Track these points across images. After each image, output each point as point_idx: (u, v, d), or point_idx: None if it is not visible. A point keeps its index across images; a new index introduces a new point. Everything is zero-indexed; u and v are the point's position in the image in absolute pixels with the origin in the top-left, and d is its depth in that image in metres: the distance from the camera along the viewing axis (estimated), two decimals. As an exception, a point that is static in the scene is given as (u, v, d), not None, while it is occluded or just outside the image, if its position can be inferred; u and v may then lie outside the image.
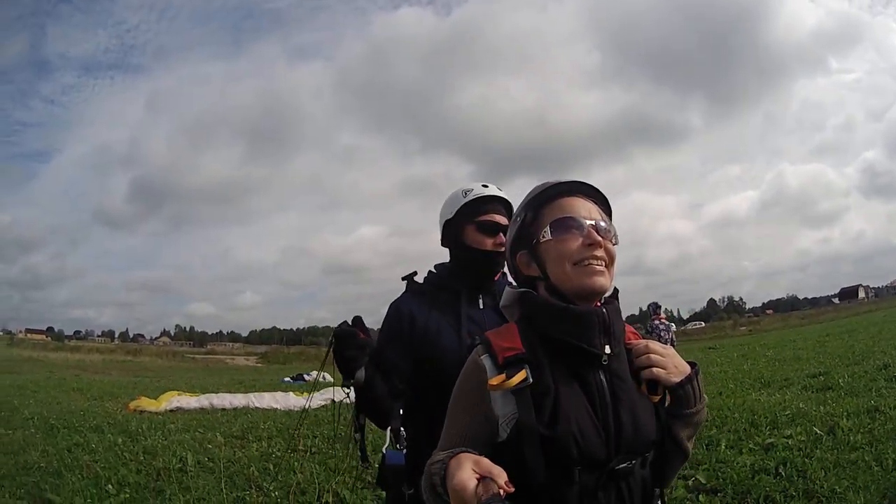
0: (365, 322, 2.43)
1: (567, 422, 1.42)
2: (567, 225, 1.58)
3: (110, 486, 7.24)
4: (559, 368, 1.50)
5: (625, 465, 1.47)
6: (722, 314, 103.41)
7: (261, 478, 7.52)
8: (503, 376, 1.46)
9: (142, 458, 8.82)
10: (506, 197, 2.69)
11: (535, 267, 1.62)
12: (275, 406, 15.45)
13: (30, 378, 25.83)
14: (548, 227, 1.59)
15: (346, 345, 2.28)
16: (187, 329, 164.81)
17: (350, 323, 2.37)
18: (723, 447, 7.23)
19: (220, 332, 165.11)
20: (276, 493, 6.85)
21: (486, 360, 1.53)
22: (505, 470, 1.24)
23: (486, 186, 2.62)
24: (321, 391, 15.70)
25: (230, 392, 18.17)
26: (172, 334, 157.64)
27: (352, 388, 2.33)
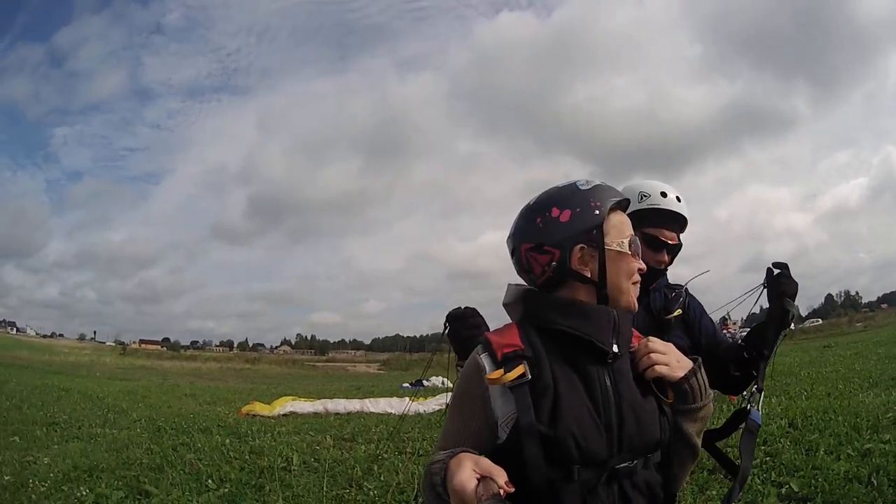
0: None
1: (567, 420, 1.50)
2: (638, 245, 1.74)
3: (210, 481, 7.79)
4: (561, 366, 1.59)
5: (625, 464, 1.56)
6: (839, 310, 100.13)
7: (363, 477, 7.86)
8: (501, 371, 1.54)
9: (247, 457, 9.38)
10: (685, 214, 2.79)
11: (595, 268, 1.69)
12: (390, 410, 16.04)
13: (141, 384, 27.74)
14: (626, 240, 1.71)
15: (461, 325, 2.41)
16: (308, 338, 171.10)
17: (462, 308, 2.48)
18: (821, 453, 7.16)
19: (343, 340, 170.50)
20: (376, 492, 7.17)
21: (484, 359, 1.62)
22: (505, 470, 1.33)
23: (664, 195, 2.75)
24: (437, 396, 16.04)
25: (346, 398, 18.81)
26: (293, 343, 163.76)
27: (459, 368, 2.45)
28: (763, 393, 2.46)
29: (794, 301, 2.46)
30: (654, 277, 2.67)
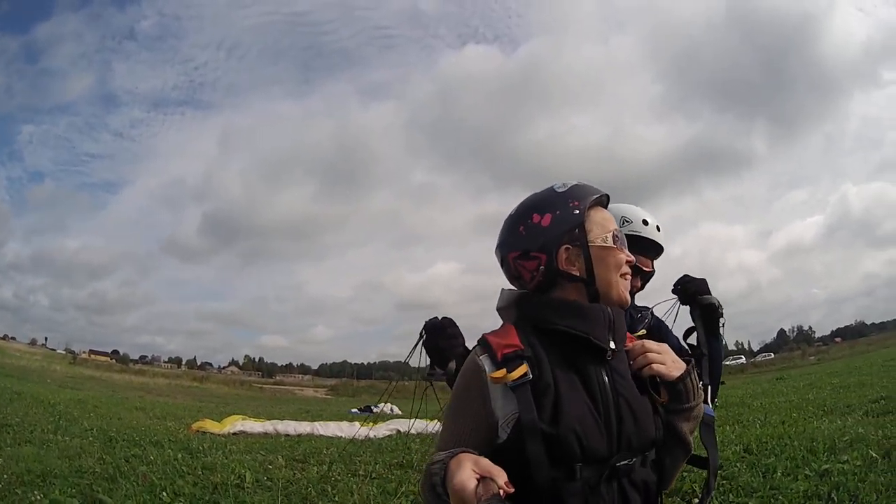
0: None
1: (569, 418, 1.55)
2: (624, 238, 1.82)
3: (165, 493, 7.83)
4: (560, 365, 1.64)
5: (625, 462, 1.61)
6: (792, 344, 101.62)
7: (318, 497, 7.98)
8: (504, 371, 1.58)
9: (200, 472, 9.39)
10: (663, 244, 2.99)
11: (582, 266, 1.75)
12: (339, 434, 16.09)
13: (91, 394, 27.17)
14: (609, 235, 1.77)
15: (439, 335, 2.49)
16: (256, 360, 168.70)
17: (440, 318, 2.55)
18: (778, 474, 7.36)
19: (291, 363, 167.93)
20: (332, 512, 7.27)
21: (484, 360, 1.64)
22: (505, 470, 1.34)
23: (646, 224, 2.91)
24: (387, 422, 16.17)
25: (296, 420, 18.80)
26: (241, 364, 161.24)
27: (433, 378, 2.60)
28: (715, 388, 2.66)
29: (708, 293, 2.68)
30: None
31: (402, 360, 2.60)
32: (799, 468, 7.57)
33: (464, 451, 1.43)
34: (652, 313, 2.99)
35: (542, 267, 1.75)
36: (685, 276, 2.77)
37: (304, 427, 16.84)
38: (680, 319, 2.89)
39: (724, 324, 2.71)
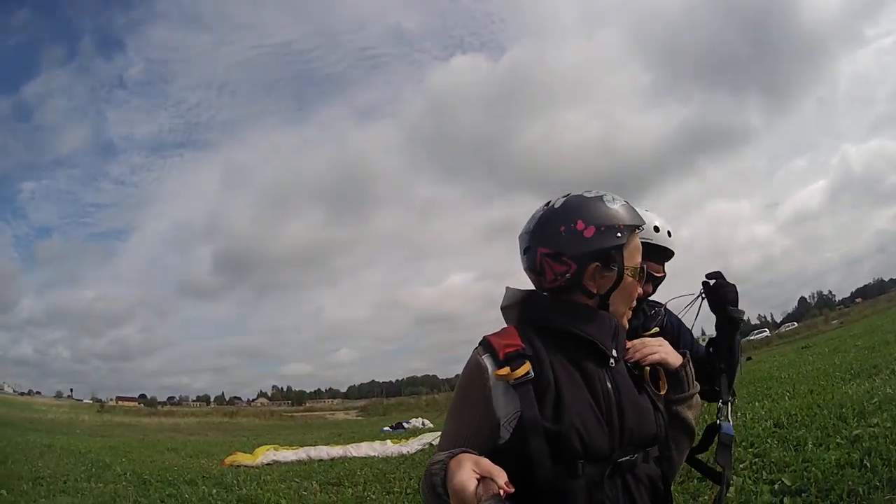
0: None
1: (571, 415, 1.57)
2: (645, 273, 1.86)
3: (201, 530, 7.87)
4: (562, 364, 1.66)
5: (627, 458, 1.63)
6: (814, 311, 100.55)
7: (352, 519, 7.98)
8: (507, 368, 1.59)
9: (235, 505, 9.44)
10: (674, 249, 2.96)
11: (603, 287, 1.77)
12: (372, 454, 16.18)
13: (122, 440, 27.35)
14: (637, 268, 1.80)
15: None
16: (284, 389, 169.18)
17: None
18: (810, 446, 7.30)
19: (319, 389, 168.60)
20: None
21: (486, 360, 1.65)
22: (505, 470, 1.34)
23: (657, 230, 2.89)
24: (419, 436, 16.15)
25: (328, 445, 18.82)
26: (270, 395, 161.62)
27: None
28: (732, 404, 2.54)
29: (736, 306, 2.56)
30: (638, 308, 2.81)
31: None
32: (830, 437, 7.52)
33: (464, 451, 1.44)
34: (665, 309, 3.01)
35: (568, 275, 1.75)
36: (718, 277, 2.62)
37: (336, 451, 16.86)
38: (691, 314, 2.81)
39: (740, 340, 2.64)
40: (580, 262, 1.73)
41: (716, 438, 2.36)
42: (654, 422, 1.72)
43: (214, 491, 11.04)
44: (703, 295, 2.62)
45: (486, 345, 1.69)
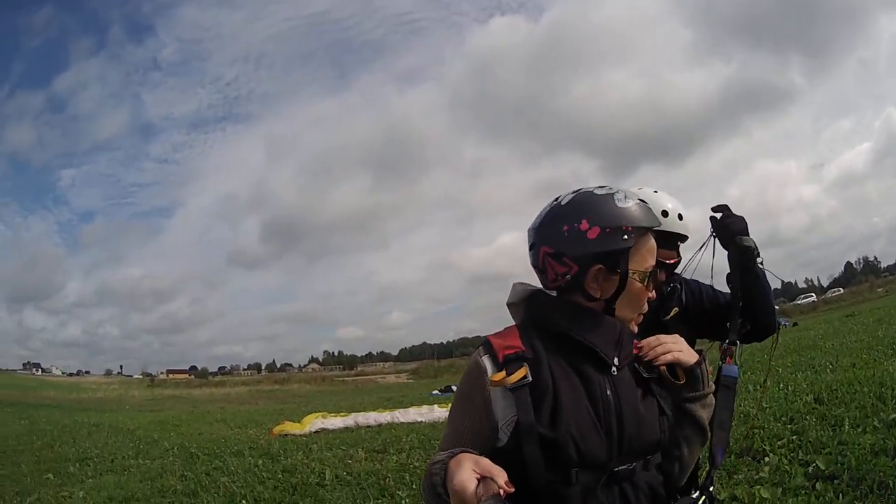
0: None
1: (567, 422, 1.56)
2: (656, 276, 1.82)
3: (244, 502, 8.03)
4: (562, 369, 1.64)
5: (624, 467, 1.61)
6: (860, 277, 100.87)
7: (395, 486, 8.05)
8: (503, 373, 1.60)
9: (280, 476, 9.55)
10: (687, 232, 2.82)
11: (607, 291, 1.72)
12: (419, 420, 16.34)
13: (171, 414, 28.09)
14: (646, 272, 1.74)
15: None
16: (336, 354, 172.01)
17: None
18: (847, 427, 7.10)
19: (370, 353, 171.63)
20: (407, 500, 7.37)
21: (486, 361, 1.66)
22: (505, 470, 1.36)
23: (666, 215, 2.73)
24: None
25: (377, 410, 18.98)
26: (321, 360, 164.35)
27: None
28: (739, 345, 2.45)
29: (747, 235, 2.47)
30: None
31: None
32: (868, 418, 7.34)
33: (464, 451, 1.45)
34: (680, 282, 2.88)
35: (568, 276, 1.72)
36: (724, 210, 2.54)
37: (384, 417, 17.02)
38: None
39: (762, 262, 2.53)
40: (581, 264, 1.69)
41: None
42: (657, 429, 1.69)
43: (261, 462, 11.14)
44: (713, 233, 2.54)
45: (486, 345, 1.70)
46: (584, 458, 1.55)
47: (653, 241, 1.77)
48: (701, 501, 1.82)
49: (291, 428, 16.42)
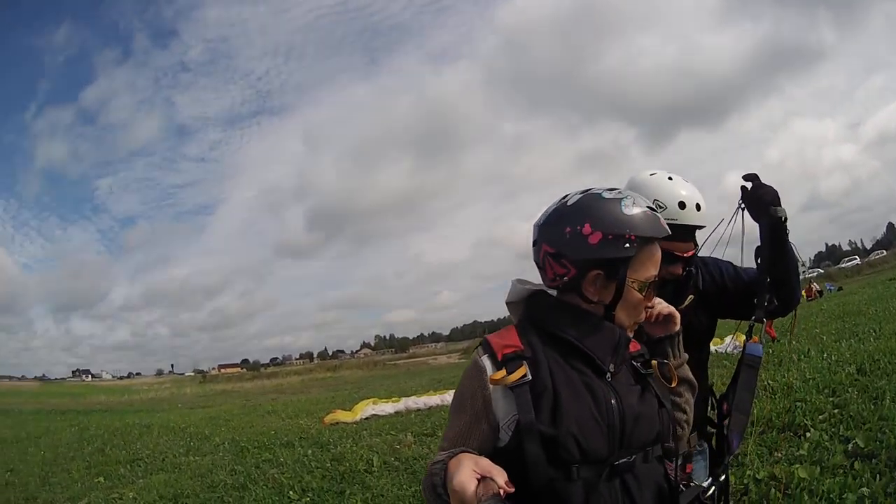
0: None
1: (568, 420, 1.57)
2: (653, 289, 1.80)
3: (292, 492, 8.17)
4: (561, 368, 1.66)
5: (624, 460, 1.63)
6: None
7: (443, 470, 8.07)
8: (503, 371, 1.61)
9: (328, 465, 9.71)
10: (704, 224, 2.68)
11: (605, 297, 1.73)
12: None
13: (223, 409, 28.48)
14: (647, 282, 1.75)
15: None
16: (387, 337, 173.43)
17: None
18: (888, 401, 6.96)
19: (422, 334, 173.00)
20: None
21: (486, 361, 1.68)
22: (505, 470, 1.37)
23: (682, 206, 2.59)
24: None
25: (427, 393, 19.16)
26: (373, 345, 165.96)
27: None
28: (765, 322, 2.44)
29: (779, 206, 2.40)
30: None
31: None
32: None
33: (464, 451, 1.47)
34: (696, 266, 2.75)
35: (566, 278, 1.73)
36: (754, 179, 2.48)
37: (434, 399, 17.13)
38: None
39: (788, 233, 2.46)
40: (580, 268, 1.71)
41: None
42: (656, 422, 1.72)
43: (310, 451, 11.32)
44: (742, 205, 2.51)
45: (485, 345, 1.73)
46: (586, 455, 1.57)
47: (657, 252, 1.77)
48: (711, 491, 1.89)
49: (343, 416, 16.58)
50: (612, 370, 1.70)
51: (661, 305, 1.93)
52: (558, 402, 1.59)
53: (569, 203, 1.76)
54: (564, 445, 1.55)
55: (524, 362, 1.63)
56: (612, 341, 1.71)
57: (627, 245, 1.67)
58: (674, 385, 1.80)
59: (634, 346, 1.85)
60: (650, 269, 1.74)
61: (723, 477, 1.96)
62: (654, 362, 1.80)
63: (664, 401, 1.76)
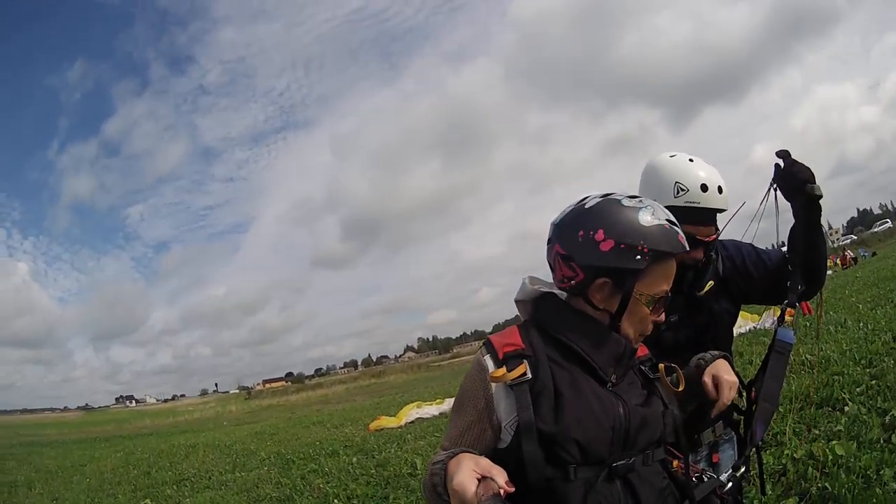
0: None
1: (569, 421, 1.58)
2: (666, 301, 1.75)
3: (337, 500, 8.28)
4: (563, 368, 1.66)
5: (623, 462, 1.63)
6: None
7: (488, 468, 8.16)
8: (503, 369, 1.61)
9: (373, 471, 9.83)
10: (726, 207, 2.61)
11: (612, 305, 1.70)
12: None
13: (269, 423, 28.82)
14: (656, 296, 1.70)
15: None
16: (430, 339, 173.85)
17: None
18: None
19: (464, 333, 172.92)
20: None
21: (487, 360, 1.69)
22: (505, 469, 1.39)
23: (704, 189, 2.52)
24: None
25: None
26: (416, 347, 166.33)
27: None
28: (797, 306, 2.39)
29: (815, 183, 2.30)
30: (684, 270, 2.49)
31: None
32: None
33: (464, 451, 1.50)
34: (716, 250, 2.69)
35: (573, 281, 1.71)
36: (786, 156, 2.39)
37: (477, 396, 17.07)
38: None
39: (820, 227, 2.42)
40: (587, 274, 1.68)
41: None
42: (660, 423, 1.71)
43: (355, 459, 11.49)
44: (775, 184, 2.42)
45: (487, 345, 1.73)
46: (587, 456, 1.58)
47: (671, 268, 1.73)
48: (729, 486, 1.85)
49: (388, 422, 16.77)
50: (613, 381, 1.69)
51: (729, 393, 1.83)
52: (559, 402, 1.60)
53: (586, 206, 1.73)
54: (564, 446, 1.56)
55: (524, 361, 1.63)
56: (616, 353, 1.70)
57: (639, 257, 1.64)
58: (681, 389, 1.75)
59: (643, 351, 1.85)
60: (661, 284, 1.71)
61: (742, 470, 1.94)
62: (661, 366, 1.77)
63: (669, 404, 1.76)
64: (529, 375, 1.61)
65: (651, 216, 1.67)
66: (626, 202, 1.70)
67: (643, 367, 1.80)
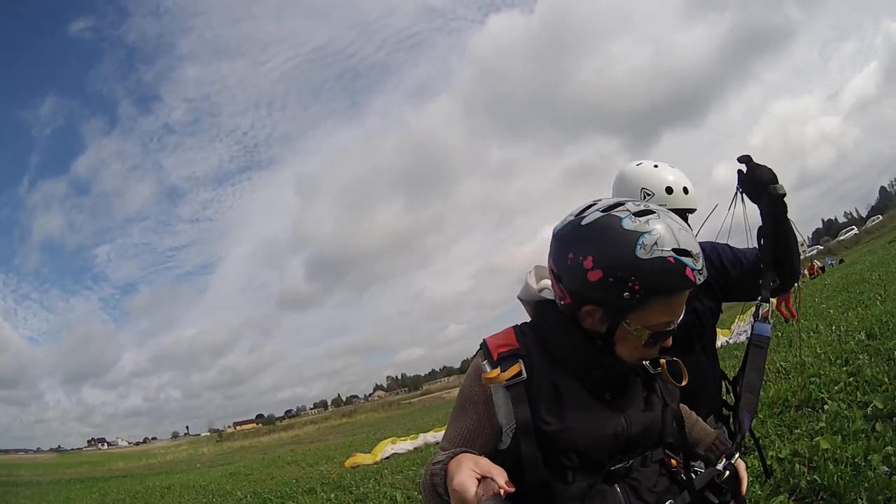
0: None
1: (567, 420, 1.57)
2: (661, 338, 1.61)
3: (316, 537, 8.17)
4: (559, 373, 1.63)
5: (621, 465, 1.62)
6: None
7: (467, 500, 8.20)
8: (497, 370, 1.59)
9: (352, 506, 9.72)
10: (694, 206, 2.74)
11: (602, 330, 1.60)
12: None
13: (242, 464, 28.46)
14: (648, 332, 1.56)
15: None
16: (399, 377, 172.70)
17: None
18: None
19: (433, 370, 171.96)
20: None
21: (483, 362, 1.67)
22: (505, 470, 1.37)
23: (670, 191, 2.65)
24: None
25: (444, 426, 19.12)
26: (386, 386, 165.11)
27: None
28: (771, 303, 2.42)
29: (777, 183, 2.34)
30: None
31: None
32: None
33: (464, 452, 1.49)
34: None
35: (562, 301, 1.64)
36: (748, 161, 2.40)
37: (450, 432, 17.09)
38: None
39: (790, 221, 2.46)
40: (574, 299, 1.58)
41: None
42: (659, 422, 1.70)
43: (333, 495, 11.48)
44: (740, 188, 2.46)
45: (483, 347, 1.71)
46: (584, 457, 1.57)
47: (675, 300, 1.57)
48: (727, 475, 1.79)
49: (363, 459, 16.73)
50: (607, 398, 1.64)
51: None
52: (557, 402, 1.58)
53: (583, 221, 1.56)
54: (561, 446, 1.55)
55: (519, 360, 1.61)
56: (608, 376, 1.64)
57: (627, 294, 1.49)
58: (683, 383, 1.67)
59: None
60: (661, 317, 1.57)
61: (736, 456, 2.00)
62: (662, 361, 1.67)
63: (670, 401, 1.74)
64: (525, 375, 1.59)
65: (654, 245, 1.47)
66: (628, 223, 1.50)
67: (644, 363, 1.70)
